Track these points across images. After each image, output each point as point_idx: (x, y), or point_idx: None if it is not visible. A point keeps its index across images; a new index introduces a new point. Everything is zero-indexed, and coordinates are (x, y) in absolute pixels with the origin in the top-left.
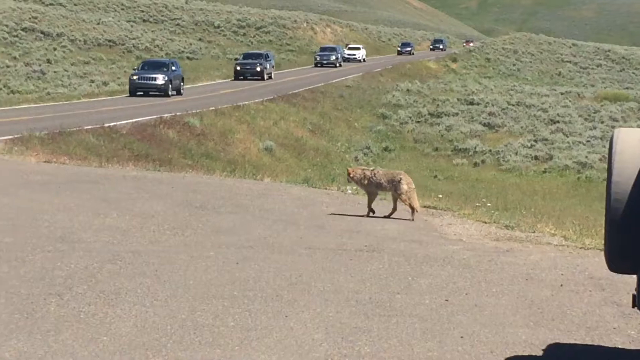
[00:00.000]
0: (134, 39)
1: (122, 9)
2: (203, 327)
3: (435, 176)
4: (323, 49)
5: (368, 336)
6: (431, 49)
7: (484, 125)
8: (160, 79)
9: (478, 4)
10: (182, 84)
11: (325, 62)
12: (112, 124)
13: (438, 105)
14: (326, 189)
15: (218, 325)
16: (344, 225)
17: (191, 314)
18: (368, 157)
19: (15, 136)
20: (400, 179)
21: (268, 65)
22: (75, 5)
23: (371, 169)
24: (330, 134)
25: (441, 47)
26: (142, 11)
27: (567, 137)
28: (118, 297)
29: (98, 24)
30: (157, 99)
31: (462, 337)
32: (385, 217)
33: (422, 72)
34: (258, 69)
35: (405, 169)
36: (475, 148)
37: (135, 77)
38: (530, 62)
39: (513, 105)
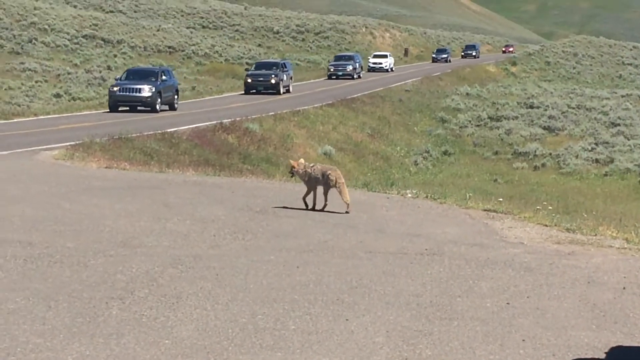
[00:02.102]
0: (193, 45)
1: (182, 16)
2: (264, 330)
3: (495, 180)
4: (338, 58)
5: (429, 339)
6: (462, 56)
7: (544, 128)
8: (146, 90)
9: (537, 7)
10: (176, 96)
11: (340, 73)
12: (172, 130)
13: (498, 108)
14: (386, 192)
15: (279, 328)
16: (403, 229)
17: (252, 318)
18: (427, 161)
19: (77, 142)
20: (329, 173)
21: (285, 76)
22: (135, 12)
23: (311, 165)
24: (390, 138)
25: (473, 53)
26: (202, 17)
27: (629, 140)
28: (179, 300)
29: (158, 30)
30: (223, 102)
31: (523, 340)
32: (316, 209)
33: (482, 76)
34: (273, 81)
35: (465, 172)
36: (535, 151)
37: (115, 89)
38: (591, 65)
39: (573, 108)
